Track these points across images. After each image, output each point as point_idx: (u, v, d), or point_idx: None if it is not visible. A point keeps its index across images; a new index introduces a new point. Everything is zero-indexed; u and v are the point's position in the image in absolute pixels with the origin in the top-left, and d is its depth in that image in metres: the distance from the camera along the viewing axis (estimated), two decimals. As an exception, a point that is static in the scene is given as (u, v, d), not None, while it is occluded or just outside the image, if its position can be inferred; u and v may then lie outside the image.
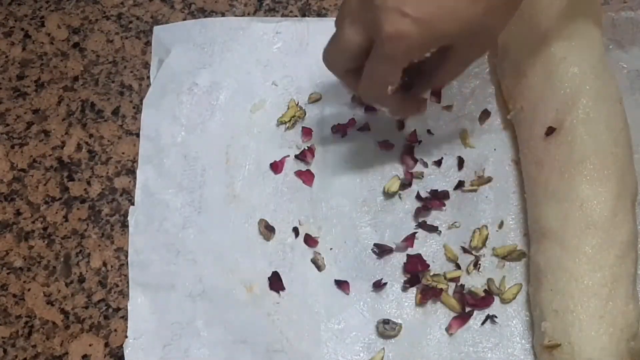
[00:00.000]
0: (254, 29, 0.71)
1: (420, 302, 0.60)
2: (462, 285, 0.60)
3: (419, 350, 0.59)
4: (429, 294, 0.60)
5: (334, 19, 0.70)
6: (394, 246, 0.62)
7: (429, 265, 0.61)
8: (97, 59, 0.71)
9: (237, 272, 0.62)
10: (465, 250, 0.62)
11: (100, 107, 0.69)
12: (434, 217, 0.63)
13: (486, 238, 0.62)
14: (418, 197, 0.64)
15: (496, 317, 0.59)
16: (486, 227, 0.62)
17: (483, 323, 0.59)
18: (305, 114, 0.68)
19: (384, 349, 0.59)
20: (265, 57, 0.70)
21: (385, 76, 0.54)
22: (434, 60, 0.57)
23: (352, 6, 0.54)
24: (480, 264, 0.61)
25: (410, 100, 0.60)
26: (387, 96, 0.56)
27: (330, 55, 0.57)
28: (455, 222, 0.63)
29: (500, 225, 0.63)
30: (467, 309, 0.59)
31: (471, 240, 0.62)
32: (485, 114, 0.67)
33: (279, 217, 0.64)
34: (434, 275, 0.61)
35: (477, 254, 0.62)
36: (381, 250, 0.62)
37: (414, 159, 0.65)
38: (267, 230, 0.63)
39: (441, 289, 0.60)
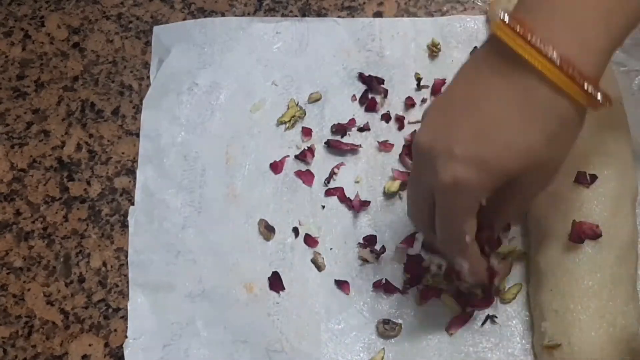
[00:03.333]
0: (254, 29, 0.71)
1: (421, 302, 0.60)
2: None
3: (419, 350, 0.59)
4: (429, 294, 0.60)
5: (334, 18, 0.71)
6: (394, 246, 0.62)
7: (429, 267, 0.61)
8: (97, 59, 0.71)
9: (237, 272, 0.62)
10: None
11: (100, 107, 0.69)
12: (434, 217, 0.63)
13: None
14: (418, 197, 0.64)
15: (496, 317, 0.59)
16: None
17: (483, 323, 0.59)
18: (305, 114, 0.68)
19: (384, 349, 0.59)
20: (265, 57, 0.70)
21: (458, 226, 0.49)
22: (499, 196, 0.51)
23: (413, 165, 0.51)
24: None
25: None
26: (467, 247, 0.50)
27: (411, 211, 0.54)
28: (455, 222, 0.63)
29: (500, 225, 0.63)
30: (468, 309, 0.59)
31: None
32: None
33: (279, 217, 0.64)
34: (434, 275, 0.60)
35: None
36: (370, 243, 0.62)
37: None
38: (267, 230, 0.63)
39: (441, 289, 0.60)
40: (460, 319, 0.59)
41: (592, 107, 0.47)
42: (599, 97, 0.46)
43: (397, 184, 0.64)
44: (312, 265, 0.62)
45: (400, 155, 0.66)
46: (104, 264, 0.63)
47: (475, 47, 0.69)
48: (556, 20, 0.46)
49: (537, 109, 0.46)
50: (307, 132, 0.67)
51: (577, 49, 0.45)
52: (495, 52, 0.47)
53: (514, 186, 0.49)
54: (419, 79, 0.68)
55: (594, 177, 0.57)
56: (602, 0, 0.46)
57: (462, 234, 0.50)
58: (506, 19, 0.46)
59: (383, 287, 0.61)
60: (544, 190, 0.51)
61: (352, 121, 0.67)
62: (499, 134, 0.46)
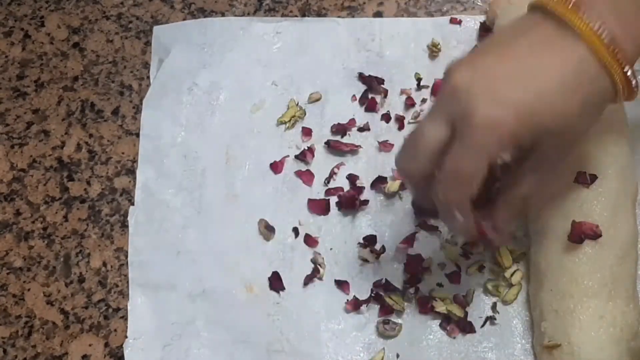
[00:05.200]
0: (254, 29, 0.71)
1: (420, 311, 0.60)
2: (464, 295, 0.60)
3: (419, 350, 0.59)
4: (426, 307, 0.60)
5: (334, 18, 0.71)
6: (394, 246, 0.62)
7: (428, 268, 0.61)
8: (97, 59, 0.71)
9: (237, 272, 0.62)
10: (467, 256, 0.61)
11: (100, 107, 0.69)
12: (434, 217, 0.63)
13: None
14: (418, 197, 0.64)
15: (495, 318, 0.59)
16: None
17: (483, 325, 0.59)
18: (305, 114, 0.68)
19: (384, 349, 0.59)
20: (265, 57, 0.70)
21: (470, 170, 0.48)
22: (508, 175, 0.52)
23: (437, 100, 0.50)
24: (485, 267, 0.61)
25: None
26: (468, 199, 0.49)
27: (406, 157, 0.51)
28: (455, 222, 0.63)
29: (500, 225, 0.63)
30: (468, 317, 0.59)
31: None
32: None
33: (279, 217, 0.64)
34: (432, 290, 0.60)
35: (480, 258, 0.61)
36: (370, 243, 0.62)
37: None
38: (267, 230, 0.63)
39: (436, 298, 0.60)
40: (460, 325, 0.59)
41: (626, 91, 0.48)
42: (634, 83, 0.48)
43: (397, 184, 0.64)
44: (312, 265, 0.62)
45: (400, 155, 0.66)
46: (104, 264, 0.63)
47: (477, 47, 0.69)
48: (607, 7, 0.47)
49: (582, 80, 0.47)
50: (307, 132, 0.67)
51: (621, 31, 0.47)
52: (540, 20, 0.48)
53: (534, 150, 0.49)
54: (419, 79, 0.68)
55: (594, 177, 0.57)
56: None
57: (472, 178, 0.48)
58: None
59: (383, 287, 0.61)
60: (559, 162, 0.51)
61: (352, 121, 0.67)
62: (542, 90, 0.47)
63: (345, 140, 0.66)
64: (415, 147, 0.50)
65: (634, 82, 0.48)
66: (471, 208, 0.50)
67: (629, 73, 0.47)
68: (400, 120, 0.67)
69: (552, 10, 0.48)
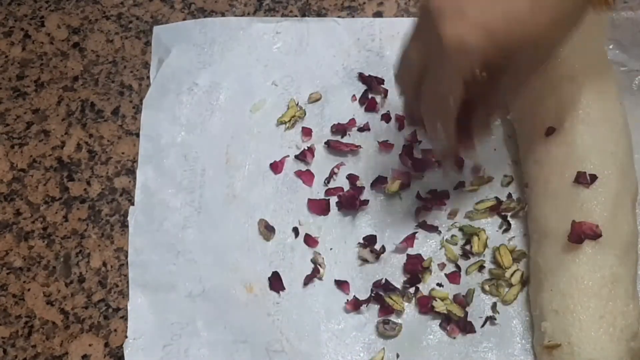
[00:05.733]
0: (254, 29, 0.71)
1: (420, 311, 0.60)
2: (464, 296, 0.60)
3: (419, 351, 0.59)
4: (426, 307, 0.60)
5: (334, 18, 0.71)
6: (393, 246, 0.62)
7: (428, 268, 0.61)
8: (97, 59, 0.71)
9: (237, 272, 0.62)
10: (467, 256, 0.61)
11: (100, 107, 0.69)
12: (433, 217, 0.63)
13: (486, 241, 0.62)
14: (418, 197, 0.64)
15: (496, 317, 0.59)
16: (484, 230, 0.62)
17: (483, 325, 0.59)
18: (305, 114, 0.68)
19: (384, 349, 0.59)
20: (265, 57, 0.70)
21: (447, 88, 0.51)
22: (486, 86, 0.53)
23: (415, 25, 0.52)
24: (485, 267, 0.61)
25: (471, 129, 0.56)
26: (451, 114, 0.52)
27: (398, 73, 0.55)
28: (455, 222, 0.63)
29: (501, 225, 0.63)
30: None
31: (472, 247, 0.62)
32: (485, 114, 0.67)
33: (279, 217, 0.64)
34: (432, 289, 0.60)
35: (480, 258, 0.62)
36: (370, 243, 0.62)
37: (414, 159, 0.65)
38: (267, 230, 0.63)
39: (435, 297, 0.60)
40: (461, 325, 0.59)
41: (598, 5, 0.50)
42: None
43: (397, 184, 0.64)
44: (312, 265, 0.62)
45: (400, 155, 0.65)
46: (104, 264, 0.63)
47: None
48: None
49: None
50: (307, 132, 0.67)
51: None
52: None
53: (509, 65, 0.50)
54: (419, 79, 0.68)
55: (594, 177, 0.57)
56: None
57: (448, 95, 0.50)
58: None
59: (383, 287, 0.61)
60: (535, 73, 0.53)
61: (352, 121, 0.67)
62: (510, 7, 0.47)
63: (345, 140, 0.66)
64: (402, 68, 0.54)
65: None
66: (454, 128, 0.52)
67: None
68: (400, 120, 0.67)
69: None
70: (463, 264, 0.61)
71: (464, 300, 0.60)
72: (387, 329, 0.59)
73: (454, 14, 0.48)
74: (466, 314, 0.59)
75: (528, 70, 0.52)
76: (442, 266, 0.61)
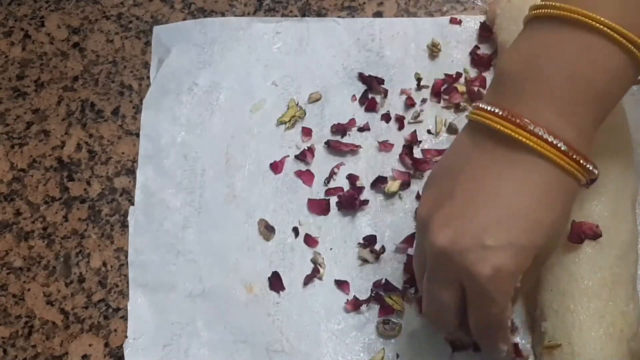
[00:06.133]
0: (254, 29, 0.71)
1: (420, 310, 0.60)
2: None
3: (419, 350, 0.59)
4: None
5: (334, 18, 0.71)
6: (393, 246, 0.62)
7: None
8: (97, 59, 0.71)
9: (237, 272, 0.62)
10: None
11: (100, 107, 0.69)
12: (434, 217, 0.63)
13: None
14: (418, 197, 0.64)
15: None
16: None
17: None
18: (305, 114, 0.68)
19: (384, 349, 0.59)
20: (265, 57, 0.70)
21: (497, 318, 0.49)
22: None
23: (432, 265, 0.50)
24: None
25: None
26: (506, 333, 0.51)
27: (434, 317, 0.53)
28: (455, 222, 0.63)
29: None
30: None
31: None
32: (485, 114, 0.67)
33: (279, 217, 0.64)
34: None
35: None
36: (370, 243, 0.62)
37: (414, 159, 0.65)
38: (267, 230, 0.63)
39: None
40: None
41: (589, 180, 0.50)
42: (596, 172, 0.49)
43: (397, 184, 0.64)
44: (312, 265, 0.62)
45: (400, 155, 0.65)
46: (104, 264, 0.63)
47: (477, 47, 0.69)
48: (546, 105, 0.47)
49: (553, 190, 0.48)
50: (307, 132, 0.67)
51: (574, 134, 0.47)
52: (489, 144, 0.48)
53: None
54: (419, 79, 0.68)
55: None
56: (591, 84, 0.47)
57: (505, 319, 0.49)
58: (495, 110, 0.48)
59: (383, 287, 0.61)
60: (551, 256, 0.53)
61: (352, 121, 0.67)
62: (525, 217, 0.47)
63: (345, 140, 0.66)
64: (439, 313, 0.52)
65: (596, 172, 0.49)
66: (510, 335, 0.51)
67: (591, 169, 0.48)
68: (400, 120, 0.67)
69: (501, 130, 0.47)
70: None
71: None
72: (387, 329, 0.59)
73: (474, 246, 0.47)
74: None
75: (546, 258, 0.52)
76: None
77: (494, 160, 0.48)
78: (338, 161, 0.66)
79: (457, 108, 0.67)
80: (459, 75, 0.68)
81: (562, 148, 0.47)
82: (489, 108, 0.48)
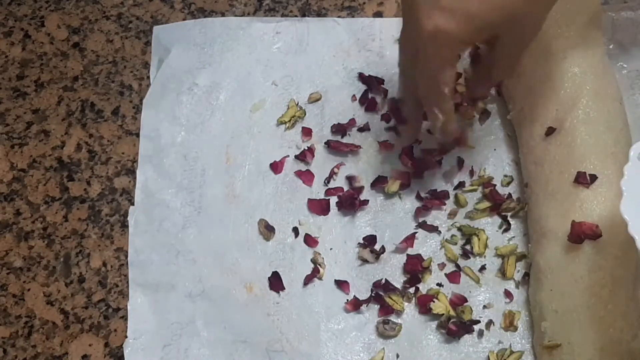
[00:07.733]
0: (254, 29, 0.71)
1: (420, 311, 0.60)
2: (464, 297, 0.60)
3: (419, 350, 0.59)
4: (426, 307, 0.59)
5: (334, 18, 0.71)
6: (393, 246, 0.62)
7: (428, 268, 0.61)
8: (97, 59, 0.71)
9: (237, 272, 0.62)
10: (467, 256, 0.61)
11: (100, 107, 0.69)
12: (434, 217, 0.63)
13: (486, 241, 0.62)
14: (418, 197, 0.64)
15: (493, 322, 0.59)
16: (483, 230, 0.62)
17: (484, 326, 0.59)
18: (305, 114, 0.68)
19: (384, 349, 0.59)
20: (265, 57, 0.70)
21: (433, 76, 0.53)
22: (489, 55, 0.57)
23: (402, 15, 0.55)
24: (486, 267, 0.61)
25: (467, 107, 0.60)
26: (444, 98, 0.55)
27: (400, 64, 0.58)
28: (455, 222, 0.63)
29: (501, 225, 0.63)
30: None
31: (472, 247, 0.62)
32: (485, 114, 0.67)
33: (279, 217, 0.64)
34: (432, 289, 0.60)
35: (481, 259, 0.61)
36: (370, 243, 0.62)
37: (414, 159, 0.65)
38: (267, 230, 0.63)
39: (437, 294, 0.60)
40: (460, 325, 0.59)
41: None
42: None
43: (397, 184, 0.64)
44: (312, 265, 0.62)
45: (400, 155, 0.65)
46: (104, 264, 0.63)
47: (477, 47, 0.69)
48: None
49: None
50: (307, 132, 0.67)
51: None
52: None
53: (498, 45, 0.54)
54: (419, 79, 0.68)
55: (593, 177, 0.57)
56: None
57: (440, 83, 0.53)
58: None
59: (383, 287, 0.61)
60: (526, 48, 0.55)
61: (352, 121, 0.67)
62: None
63: (345, 140, 0.66)
64: (402, 56, 0.58)
65: None
66: (451, 107, 0.55)
67: None
68: (398, 119, 0.67)
69: None
70: (463, 264, 0.61)
71: (464, 300, 0.60)
72: (387, 329, 0.59)
73: (428, 2, 0.50)
74: (468, 324, 0.59)
75: (517, 47, 0.54)
76: (442, 266, 0.61)
77: None
78: (338, 161, 0.66)
79: (457, 108, 0.67)
80: (459, 75, 0.68)
81: None
82: None
